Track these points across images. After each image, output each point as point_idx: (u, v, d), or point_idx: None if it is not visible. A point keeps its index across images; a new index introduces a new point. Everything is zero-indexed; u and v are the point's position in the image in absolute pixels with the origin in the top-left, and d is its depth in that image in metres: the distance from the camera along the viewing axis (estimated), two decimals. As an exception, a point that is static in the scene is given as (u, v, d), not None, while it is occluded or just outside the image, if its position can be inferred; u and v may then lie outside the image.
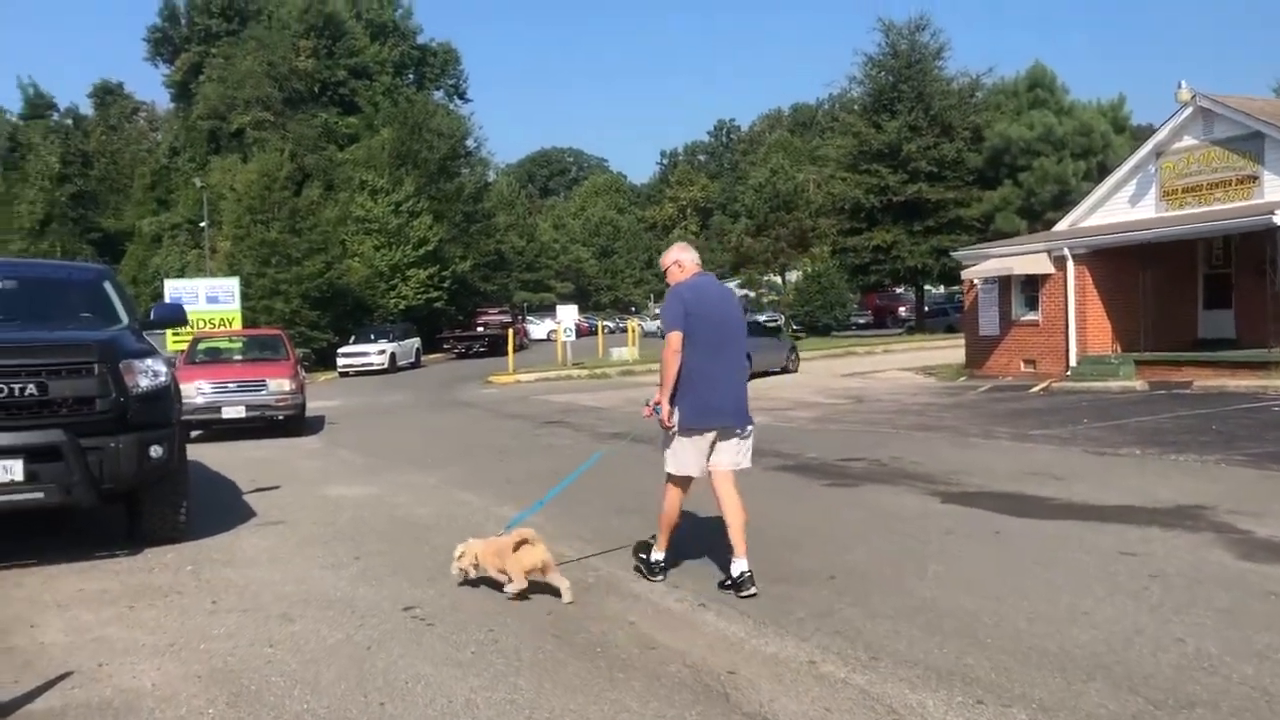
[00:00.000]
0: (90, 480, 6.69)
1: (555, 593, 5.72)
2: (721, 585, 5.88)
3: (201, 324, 33.69)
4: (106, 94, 67.26)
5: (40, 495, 6.57)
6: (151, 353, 7.35)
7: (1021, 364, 22.46)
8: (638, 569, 6.27)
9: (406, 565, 6.74)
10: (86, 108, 67.16)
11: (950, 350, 32.02)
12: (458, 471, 11.41)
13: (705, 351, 5.72)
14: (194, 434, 16.78)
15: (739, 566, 5.77)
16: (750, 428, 6.06)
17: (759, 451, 11.75)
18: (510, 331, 36.79)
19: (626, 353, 33.06)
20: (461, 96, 73.17)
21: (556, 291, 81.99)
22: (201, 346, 19.30)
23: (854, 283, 42.61)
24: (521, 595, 5.72)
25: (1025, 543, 6.80)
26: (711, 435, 5.85)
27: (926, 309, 44.56)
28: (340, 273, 44.90)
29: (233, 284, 36.36)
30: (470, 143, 60.14)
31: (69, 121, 65.08)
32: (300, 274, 42.21)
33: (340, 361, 38.11)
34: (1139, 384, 18.38)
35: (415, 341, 42.55)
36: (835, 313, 41.45)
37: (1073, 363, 20.96)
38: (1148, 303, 20.60)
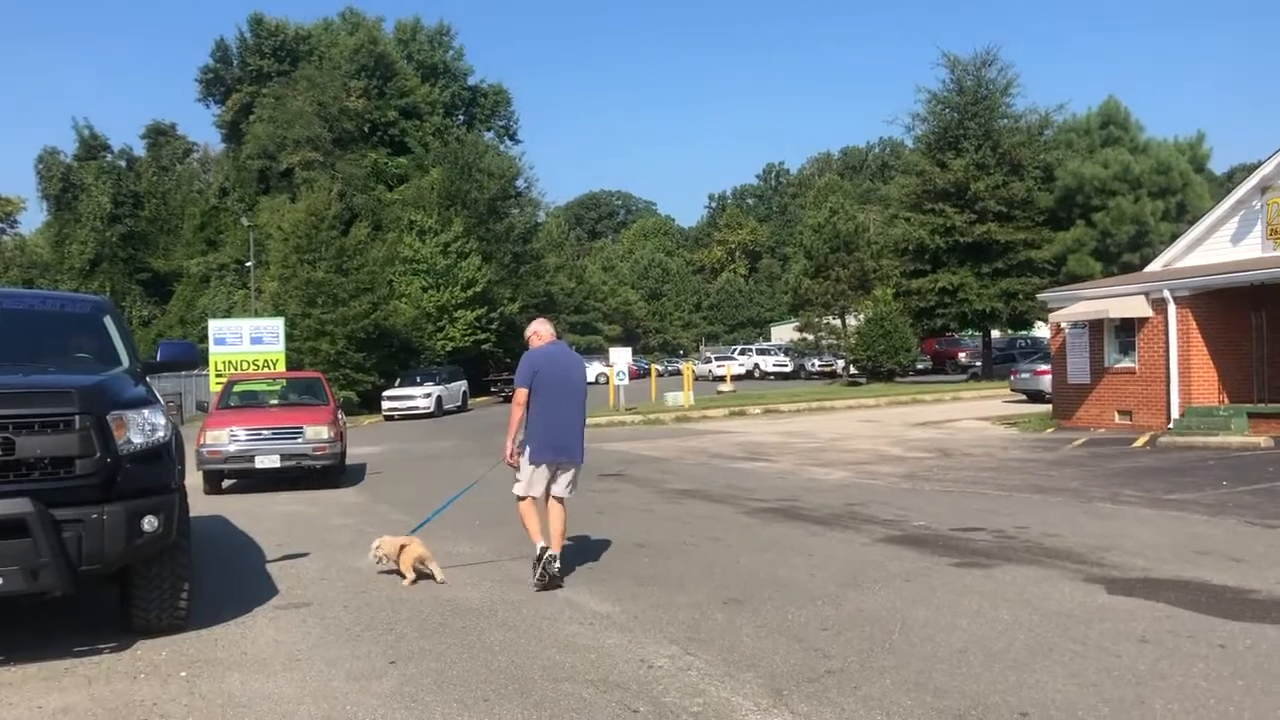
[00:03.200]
0: (64, 561, 5.34)
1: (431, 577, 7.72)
2: (536, 563, 7.42)
3: (246, 365, 32.90)
4: (159, 134, 67.42)
5: (-1, 581, 5.23)
6: (148, 402, 6.02)
7: (1116, 415, 20.71)
8: (533, 582, 7.41)
9: (454, 674, 5.30)
10: (139, 149, 67.50)
11: (1024, 399, 30.37)
12: (509, 538, 9.91)
13: (549, 403, 7.50)
14: (225, 484, 15.64)
15: (552, 552, 7.44)
16: (581, 464, 7.82)
17: (859, 517, 10.24)
18: (560, 375, 35.54)
19: (681, 397, 31.54)
20: (512, 138, 72.83)
21: (605, 334, 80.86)
22: (237, 389, 18.11)
23: (918, 326, 40.80)
24: (415, 581, 7.67)
25: (1272, 662, 5.20)
26: (553, 466, 7.60)
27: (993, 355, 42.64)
28: (387, 314, 43.90)
29: (277, 324, 35.51)
30: (520, 183, 59.40)
31: (122, 162, 65.23)
32: (346, 315, 41.24)
33: (385, 405, 37.02)
34: (1262, 440, 16.58)
35: (462, 384, 41.41)
36: (900, 357, 39.59)
37: (1175, 414, 19.20)
38: (1262, 349, 18.81)
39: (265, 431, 15.35)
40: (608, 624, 6.29)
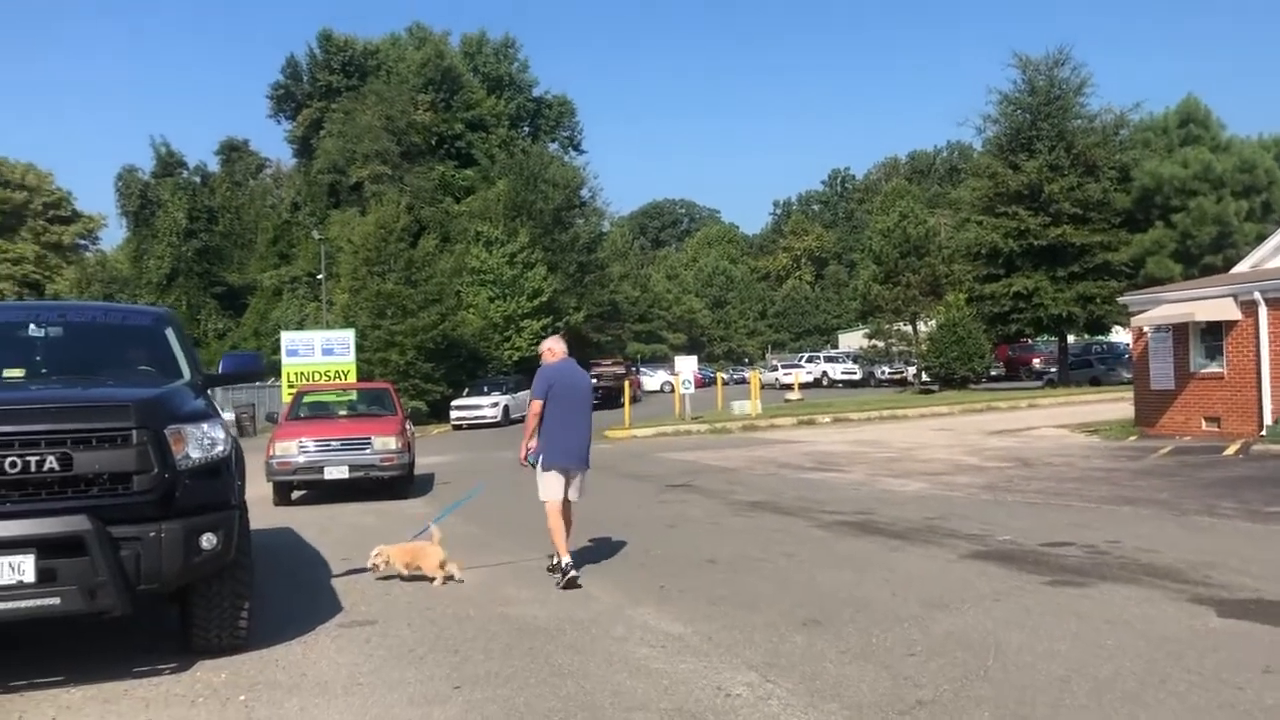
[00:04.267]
0: (122, 580, 5.20)
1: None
2: (551, 570, 8.27)
3: (317, 376, 33.21)
4: (232, 150, 68.77)
5: (56, 601, 5.09)
6: (208, 415, 5.87)
7: (1203, 422, 19.86)
8: (558, 582, 7.96)
9: (520, 701, 5.05)
10: (214, 165, 68.89)
11: (1103, 405, 29.45)
12: (578, 551, 9.70)
13: (562, 415, 8.22)
14: (295, 495, 15.65)
15: (566, 561, 8.03)
16: (586, 470, 8.50)
17: (940, 531, 9.81)
18: (626, 383, 35.33)
19: (749, 406, 31.10)
20: (576, 148, 72.92)
21: (669, 343, 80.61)
22: (306, 400, 18.15)
23: (992, 332, 39.86)
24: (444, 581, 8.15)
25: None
26: (565, 471, 8.25)
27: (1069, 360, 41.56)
28: (455, 324, 44.18)
29: (348, 336, 35.81)
30: (585, 193, 59.45)
31: (197, 179, 66.62)
32: (415, 326, 41.57)
33: (453, 414, 37.13)
34: (1366, 448, 15.73)
35: (528, 393, 41.38)
36: (973, 364, 38.67)
37: (1268, 420, 18.34)
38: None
39: (334, 442, 15.31)
40: (680, 647, 5.99)
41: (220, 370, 7.07)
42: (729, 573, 8.28)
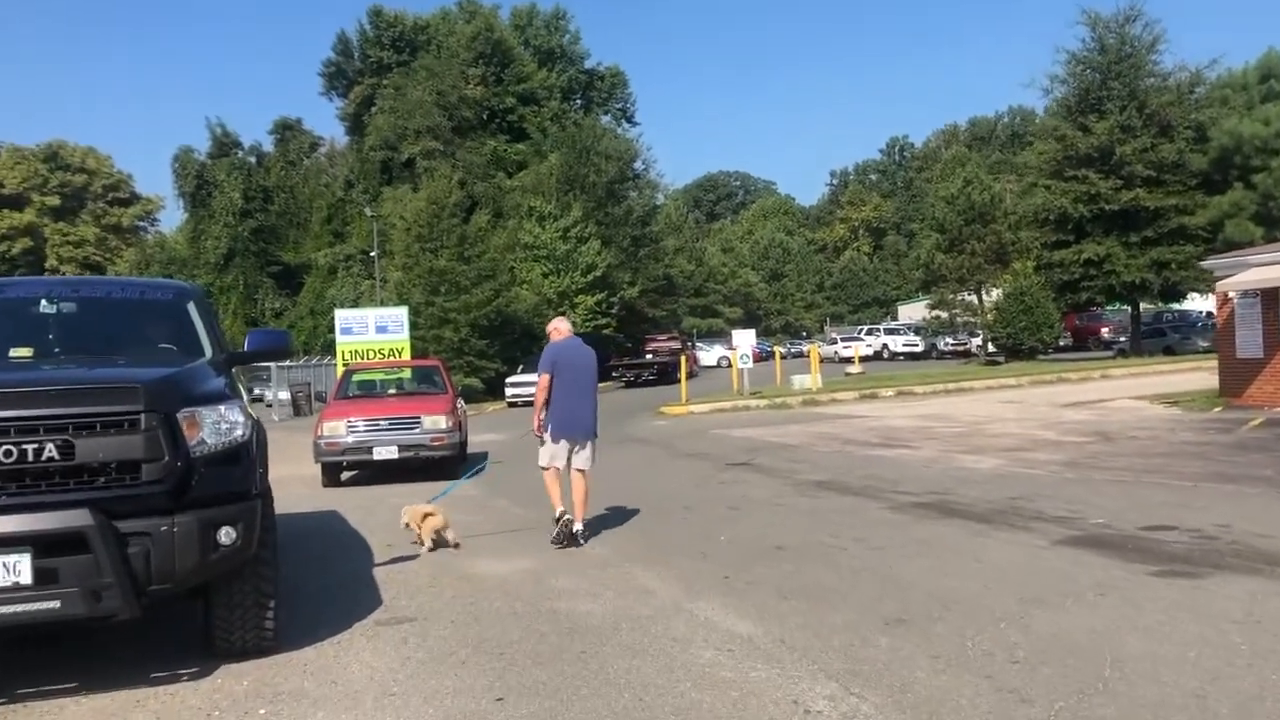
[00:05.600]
0: (130, 580, 4.70)
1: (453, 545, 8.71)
2: (555, 523, 8.69)
3: (371, 354, 32.97)
4: (286, 130, 68.88)
5: (55, 605, 4.59)
6: (226, 396, 5.33)
7: (1295, 392, 18.74)
8: (560, 537, 8.61)
9: (570, 717, 4.46)
10: (268, 145, 69.12)
11: (1182, 375, 28.20)
12: (635, 537, 9.12)
13: (566, 388, 8.75)
14: (344, 476, 15.27)
15: (578, 525, 8.64)
16: (594, 439, 8.96)
17: (1025, 514, 9.07)
18: (682, 358, 34.67)
19: (809, 380, 30.26)
20: (629, 120, 72.00)
21: (725, 316, 79.69)
22: (355, 379, 17.76)
23: (1061, 301, 38.51)
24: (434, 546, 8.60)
25: None
26: (570, 443, 8.75)
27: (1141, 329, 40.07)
28: (508, 300, 43.80)
29: (401, 313, 35.46)
30: (638, 165, 58.59)
31: (251, 159, 66.90)
32: (469, 302, 41.25)
33: (508, 391, 36.76)
34: None
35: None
36: (1042, 334, 37.37)
37: (1367, 391, 17.21)
38: None
39: (382, 421, 14.89)
40: (750, 650, 5.36)
41: (246, 348, 6.53)
42: (799, 562, 7.63)
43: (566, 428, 8.78)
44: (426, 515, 8.73)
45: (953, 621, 5.71)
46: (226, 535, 5.01)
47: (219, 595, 5.32)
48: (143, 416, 4.82)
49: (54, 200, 76.69)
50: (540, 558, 8.32)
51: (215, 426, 5.12)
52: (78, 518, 4.60)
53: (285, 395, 37.86)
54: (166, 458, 4.84)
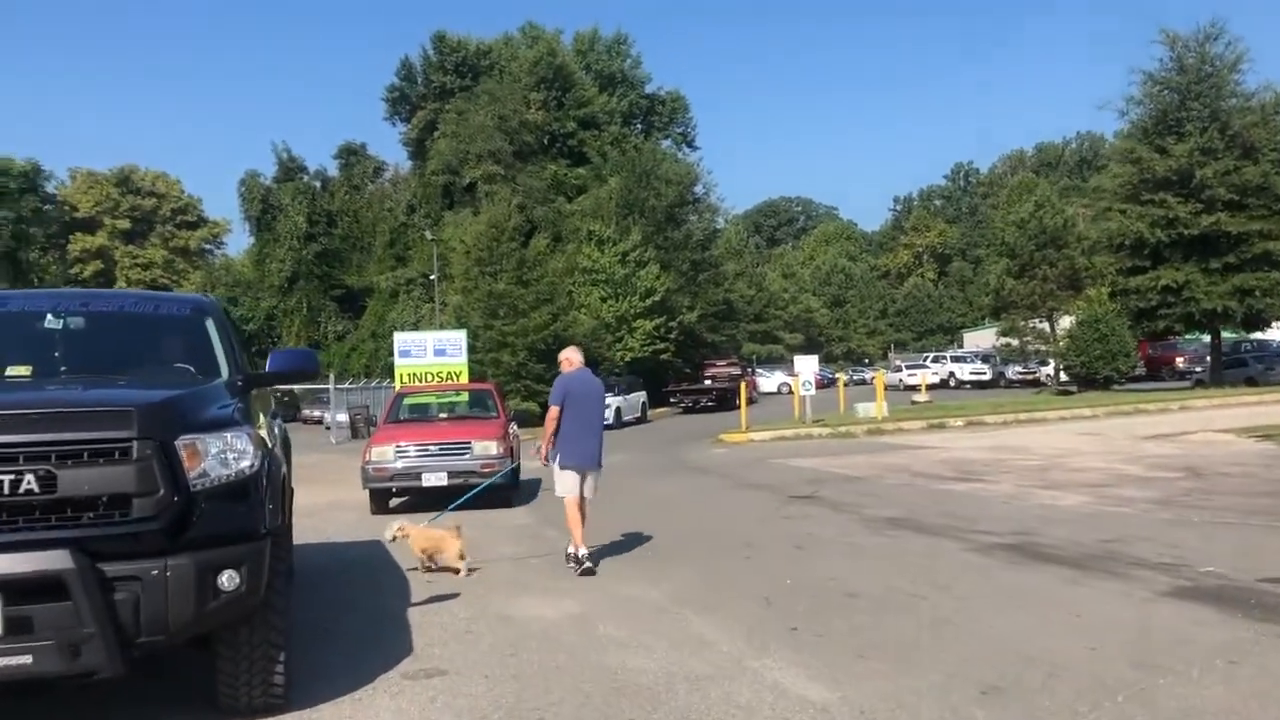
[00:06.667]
0: (115, 632, 4.11)
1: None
2: (568, 559, 8.92)
3: (430, 377, 32.68)
4: (350, 154, 69.46)
5: (26, 660, 4.01)
6: (234, 422, 4.75)
7: (1402, 427, 17.49)
8: (573, 570, 8.71)
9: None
10: (333, 169, 69.78)
11: (1266, 408, 26.90)
12: (692, 578, 8.41)
13: (577, 419, 9.03)
14: (394, 502, 14.76)
15: (583, 551, 8.83)
16: (600, 469, 9.36)
17: (1122, 559, 8.20)
18: (741, 385, 33.87)
19: (874, 408, 29.28)
20: (690, 144, 71.47)
21: (786, 342, 78.60)
22: (406, 402, 17.29)
23: (1138, 329, 37.02)
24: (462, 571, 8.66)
25: None
26: (581, 470, 9.05)
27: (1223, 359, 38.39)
28: (567, 324, 43.30)
29: (460, 336, 35.19)
30: (699, 189, 57.98)
31: (316, 183, 67.58)
32: (527, 326, 40.86)
33: (565, 416, 36.18)
34: None
35: (641, 395, 40.26)
36: (1118, 363, 35.92)
37: None
38: None
39: (432, 447, 14.34)
40: (824, 722, 4.64)
41: (269, 368, 5.96)
42: (875, 612, 6.87)
43: (577, 458, 9.00)
44: (443, 537, 8.92)
45: (1060, 692, 4.92)
46: (229, 580, 4.42)
47: (224, 647, 4.73)
48: (135, 444, 4.26)
49: (124, 223, 78.31)
50: (588, 597, 7.66)
51: (220, 456, 4.55)
52: (56, 559, 4.04)
53: (343, 418, 37.73)
54: (162, 491, 4.27)
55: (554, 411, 9.06)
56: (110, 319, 6.00)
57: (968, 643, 5.95)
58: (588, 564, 8.68)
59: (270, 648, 4.80)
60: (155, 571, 4.22)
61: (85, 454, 4.21)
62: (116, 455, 4.24)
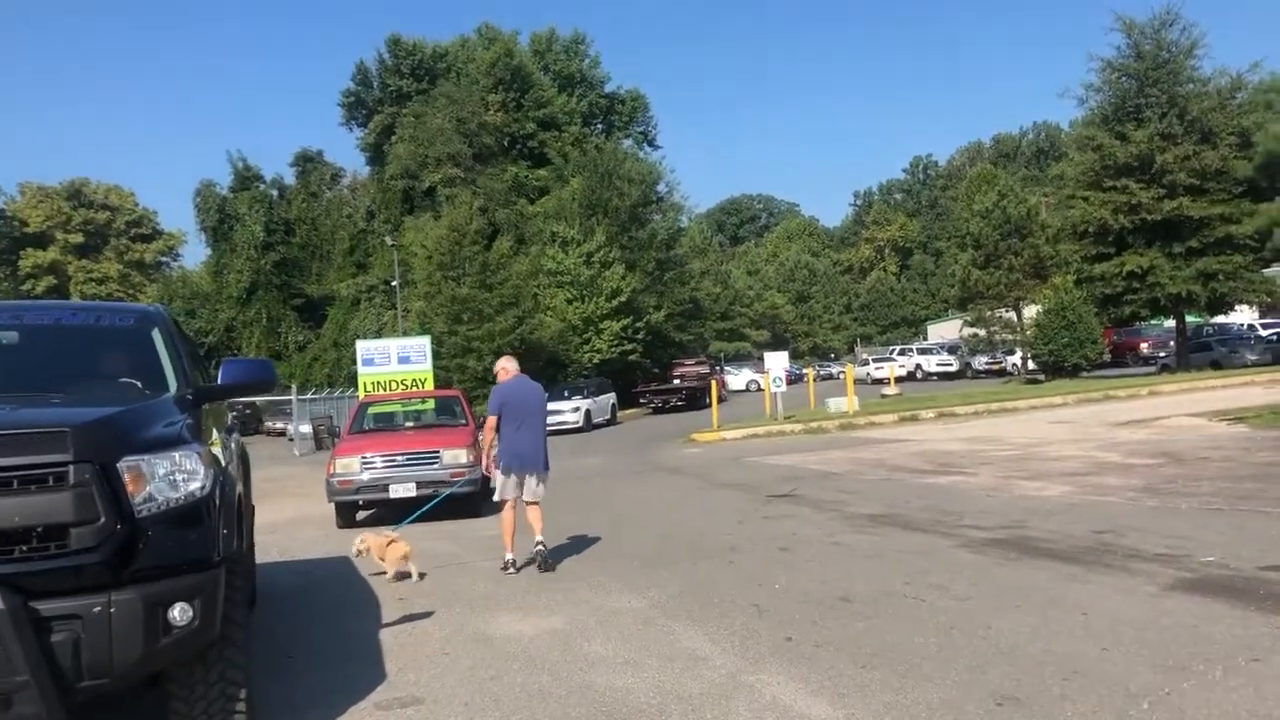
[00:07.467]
0: (53, 677, 3.71)
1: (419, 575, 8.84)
2: (503, 569, 9.14)
3: (394, 385, 32.12)
4: (307, 161, 68.41)
5: (-51, 711, 3.62)
6: (183, 441, 4.34)
7: (1374, 406, 17.48)
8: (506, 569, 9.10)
9: None
10: (290, 177, 68.72)
11: (1234, 390, 26.98)
12: (677, 586, 8.05)
13: (515, 425, 9.32)
14: (361, 515, 14.30)
15: (510, 556, 9.23)
16: (545, 471, 9.51)
17: (1119, 551, 7.95)
18: (712, 383, 33.61)
19: (845, 403, 29.12)
20: (651, 143, 71.15)
21: (752, 340, 78.52)
22: (371, 411, 16.82)
23: (1104, 315, 37.14)
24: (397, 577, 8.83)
25: None
26: (520, 475, 9.32)
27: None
28: (533, 328, 42.91)
29: (424, 343, 34.63)
30: (661, 188, 57.68)
31: (273, 192, 66.54)
32: (492, 330, 40.44)
33: (533, 420, 35.72)
34: None
35: (610, 397, 39.88)
36: (1085, 351, 36.02)
37: None
38: None
39: (399, 457, 13.91)
40: (833, 744, 4.30)
41: (220, 380, 5.53)
42: (871, 616, 6.55)
43: (516, 461, 9.26)
44: (390, 543, 8.95)
45: (1080, 700, 4.62)
46: (181, 614, 4.02)
47: (176, 687, 4.32)
48: (71, 469, 3.85)
49: (77, 238, 76.89)
50: (568, 611, 7.29)
51: (168, 478, 4.14)
52: (-17, 598, 3.62)
53: (306, 429, 37.03)
54: (102, 519, 3.87)
55: (492, 421, 9.39)
56: (46, 333, 5.55)
57: (974, 648, 5.64)
58: (512, 571, 9.00)
59: (228, 685, 4.40)
60: (97, 608, 3.82)
61: (14, 481, 3.80)
62: (50, 481, 3.84)
